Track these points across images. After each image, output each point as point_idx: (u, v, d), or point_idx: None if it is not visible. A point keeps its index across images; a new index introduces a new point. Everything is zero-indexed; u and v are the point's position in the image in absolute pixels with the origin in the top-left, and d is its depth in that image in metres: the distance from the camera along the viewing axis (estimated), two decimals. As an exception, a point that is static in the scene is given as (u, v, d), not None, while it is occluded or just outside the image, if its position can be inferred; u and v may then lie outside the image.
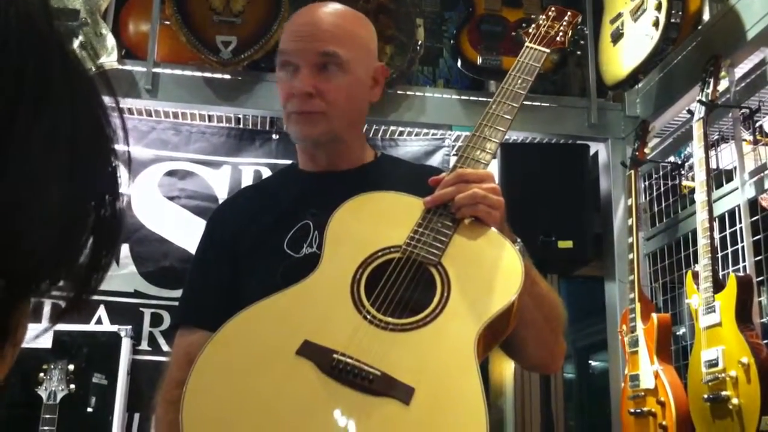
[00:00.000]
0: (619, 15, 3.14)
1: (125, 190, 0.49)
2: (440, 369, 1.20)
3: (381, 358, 1.18)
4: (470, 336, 1.20)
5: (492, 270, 1.31)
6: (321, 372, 1.17)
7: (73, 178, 0.44)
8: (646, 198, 3.22)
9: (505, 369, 4.10)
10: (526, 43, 1.62)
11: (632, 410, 2.66)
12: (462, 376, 1.17)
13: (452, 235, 1.33)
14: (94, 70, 0.47)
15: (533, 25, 1.67)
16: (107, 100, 0.47)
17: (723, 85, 2.69)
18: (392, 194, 1.44)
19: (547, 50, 1.61)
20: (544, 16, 1.70)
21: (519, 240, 1.39)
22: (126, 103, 3.15)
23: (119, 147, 0.47)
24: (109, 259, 0.49)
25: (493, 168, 3.16)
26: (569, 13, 1.71)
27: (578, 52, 3.30)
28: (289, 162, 1.68)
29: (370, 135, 3.34)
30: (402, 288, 1.27)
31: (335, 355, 1.18)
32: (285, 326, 1.26)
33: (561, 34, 1.66)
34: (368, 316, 1.24)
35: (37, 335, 0.50)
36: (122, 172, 0.48)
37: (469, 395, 1.15)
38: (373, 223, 1.40)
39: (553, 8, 1.72)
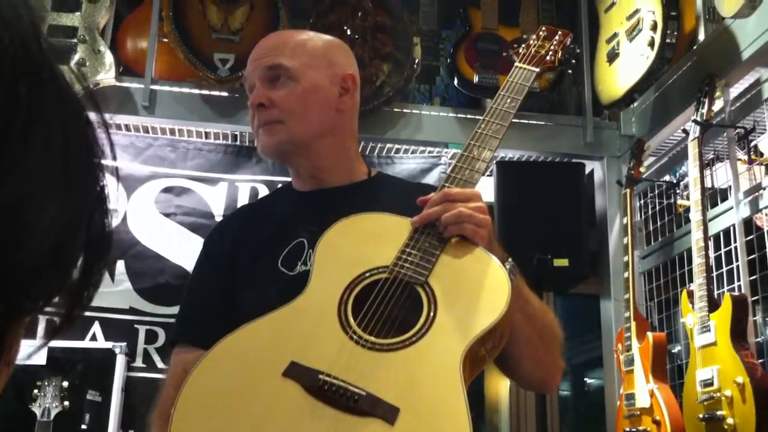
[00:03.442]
0: (615, 35, 3.16)
1: (118, 207, 0.49)
2: (425, 389, 1.20)
3: (366, 378, 1.18)
4: (456, 355, 1.20)
5: (478, 288, 1.31)
6: (307, 393, 1.17)
7: (67, 191, 0.44)
8: (641, 216, 3.23)
9: (501, 386, 4.09)
10: (516, 63, 1.62)
11: (628, 429, 2.65)
12: (447, 396, 1.17)
13: (439, 254, 1.33)
14: (86, 87, 0.48)
15: (523, 45, 1.68)
16: (94, 117, 0.47)
17: (718, 104, 2.70)
18: (380, 215, 1.43)
19: (537, 69, 1.61)
20: (534, 36, 1.70)
21: (510, 259, 1.39)
22: (123, 119, 3.16)
23: (108, 163, 0.48)
24: (101, 275, 0.49)
25: (489, 186, 3.18)
26: (560, 33, 1.71)
27: (570, 71, 3.31)
28: (285, 179, 1.69)
29: (366, 152, 3.34)
30: (389, 308, 1.27)
31: (321, 376, 1.18)
32: (273, 347, 1.26)
33: (551, 53, 1.66)
34: (354, 337, 1.24)
35: (31, 353, 0.51)
36: (111, 190, 0.49)
37: (454, 415, 1.15)
38: (361, 244, 1.39)
39: (543, 28, 1.72)
